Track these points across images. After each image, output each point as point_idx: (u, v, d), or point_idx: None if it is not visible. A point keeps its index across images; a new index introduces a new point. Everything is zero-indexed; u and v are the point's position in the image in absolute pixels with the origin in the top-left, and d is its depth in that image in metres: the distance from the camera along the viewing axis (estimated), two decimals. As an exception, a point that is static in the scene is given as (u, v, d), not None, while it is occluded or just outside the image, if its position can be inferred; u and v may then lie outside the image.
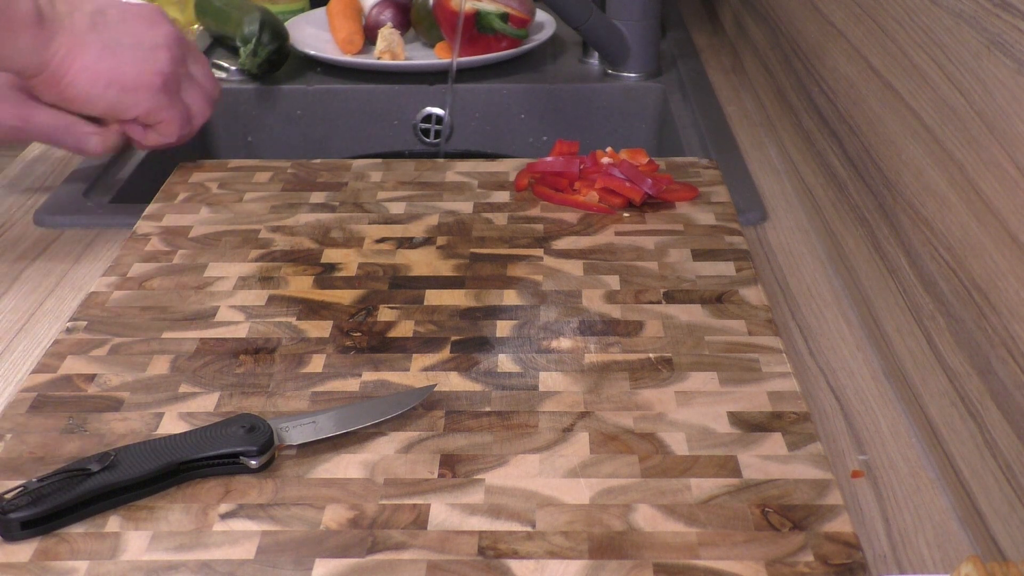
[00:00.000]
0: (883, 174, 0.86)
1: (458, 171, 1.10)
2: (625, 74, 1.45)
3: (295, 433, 0.71)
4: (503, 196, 1.05)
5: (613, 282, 0.89)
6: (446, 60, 1.44)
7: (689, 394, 0.75)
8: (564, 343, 0.81)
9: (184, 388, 0.77)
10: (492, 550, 0.62)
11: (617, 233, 0.97)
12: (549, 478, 0.68)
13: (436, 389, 0.76)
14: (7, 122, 1.04)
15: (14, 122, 1.04)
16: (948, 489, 0.72)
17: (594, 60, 1.50)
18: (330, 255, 0.94)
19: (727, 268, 0.91)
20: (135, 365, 0.80)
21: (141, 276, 0.91)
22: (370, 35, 1.53)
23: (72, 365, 0.80)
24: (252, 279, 0.91)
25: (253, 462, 0.68)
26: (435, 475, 0.68)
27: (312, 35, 1.55)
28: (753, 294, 0.87)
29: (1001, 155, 0.64)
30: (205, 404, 0.75)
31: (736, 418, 0.73)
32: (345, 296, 0.88)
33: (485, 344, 0.81)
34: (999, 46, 0.65)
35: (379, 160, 1.14)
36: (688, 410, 0.74)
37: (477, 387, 0.77)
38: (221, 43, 1.58)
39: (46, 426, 0.73)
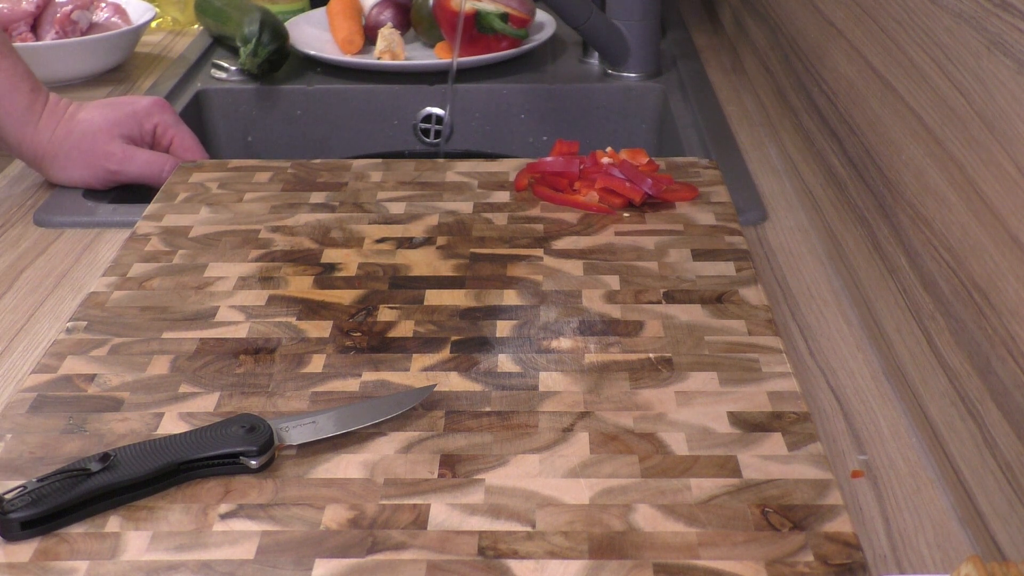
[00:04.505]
0: (883, 174, 0.86)
1: (458, 171, 1.10)
2: (625, 74, 1.45)
3: (295, 433, 0.71)
4: (503, 196, 1.05)
5: (613, 282, 0.89)
6: (446, 60, 1.44)
7: (689, 394, 0.75)
8: (564, 343, 0.81)
9: (184, 388, 0.77)
10: (492, 550, 0.62)
11: (617, 233, 0.97)
12: (549, 478, 0.68)
13: (436, 389, 0.76)
14: (113, 162, 1.14)
15: (119, 163, 1.14)
16: (948, 489, 0.72)
17: (594, 60, 1.50)
18: (330, 255, 0.94)
19: (727, 268, 0.91)
20: (135, 365, 0.80)
21: (141, 276, 0.91)
22: (370, 35, 1.53)
23: (72, 365, 0.80)
24: (252, 279, 0.91)
25: (253, 462, 0.68)
26: (435, 475, 0.68)
27: (312, 35, 1.55)
28: (753, 294, 0.87)
29: (1001, 155, 0.64)
30: (205, 404, 0.75)
31: (736, 418, 0.73)
32: (345, 296, 0.88)
33: (485, 344, 0.81)
34: (999, 46, 0.65)
35: (379, 160, 1.14)
36: (688, 410, 0.74)
37: (477, 387, 0.77)
38: (221, 43, 1.58)
39: (46, 426, 0.73)
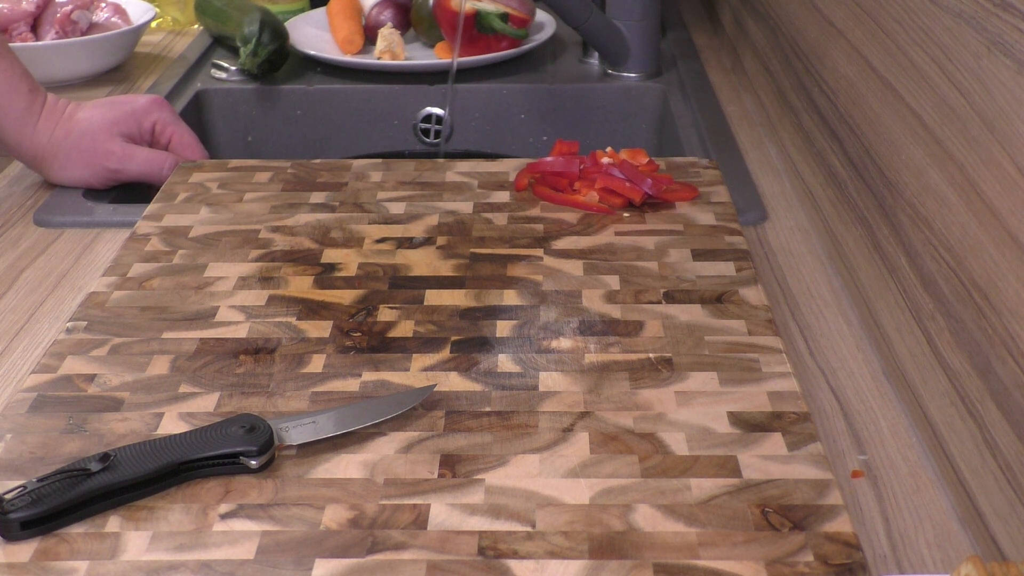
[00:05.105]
0: (883, 174, 0.86)
1: (458, 171, 1.10)
2: (625, 74, 1.45)
3: (295, 433, 0.71)
4: (503, 196, 1.05)
5: (613, 282, 0.89)
6: (446, 60, 1.44)
7: (689, 394, 0.75)
8: (564, 343, 0.81)
9: (184, 388, 0.77)
10: (492, 550, 0.62)
11: (617, 233, 0.97)
12: (549, 478, 0.68)
13: (436, 389, 0.76)
14: (114, 161, 1.14)
15: (119, 161, 1.14)
16: (948, 489, 0.72)
17: (594, 60, 1.50)
18: (330, 255, 0.94)
19: (727, 268, 0.91)
20: (135, 365, 0.80)
21: (141, 276, 0.91)
22: (370, 35, 1.53)
23: (72, 365, 0.80)
24: (252, 279, 0.91)
25: (253, 462, 0.68)
26: (435, 475, 0.68)
27: (312, 35, 1.55)
28: (753, 294, 0.87)
29: (1001, 155, 0.64)
30: (205, 404, 0.75)
31: (736, 418, 0.73)
32: (345, 296, 0.88)
33: (485, 344, 0.81)
34: (999, 46, 0.65)
35: (379, 160, 1.14)
36: (688, 410, 0.74)
37: (477, 387, 0.77)
38: (221, 43, 1.58)
39: (46, 426, 0.73)
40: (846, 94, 0.96)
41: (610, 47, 1.43)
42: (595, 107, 1.45)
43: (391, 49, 1.47)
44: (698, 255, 0.93)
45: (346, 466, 0.69)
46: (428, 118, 1.46)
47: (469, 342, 0.82)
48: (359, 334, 0.83)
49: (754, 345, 0.81)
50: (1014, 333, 0.63)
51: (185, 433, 0.70)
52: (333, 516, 0.65)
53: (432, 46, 1.53)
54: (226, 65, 1.48)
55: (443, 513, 0.65)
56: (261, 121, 1.46)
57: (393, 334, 0.83)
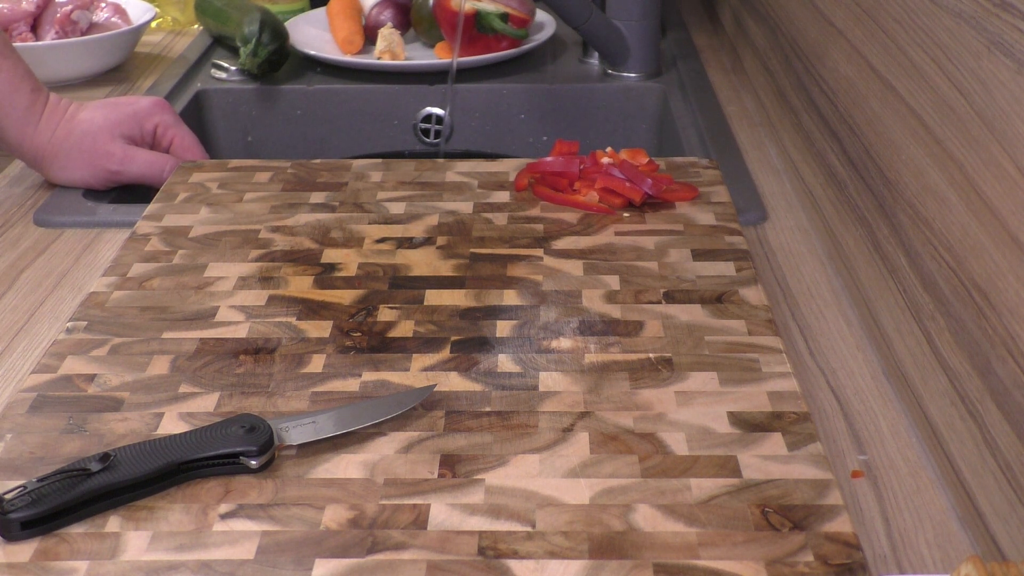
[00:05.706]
0: (883, 174, 0.86)
1: (458, 171, 1.10)
2: (625, 74, 1.45)
3: (295, 433, 0.71)
4: (503, 196, 1.05)
5: (613, 282, 0.89)
6: (446, 60, 1.44)
7: (689, 394, 0.75)
8: (564, 343, 0.81)
9: (184, 388, 0.77)
10: (492, 550, 0.62)
11: (617, 233, 0.97)
12: (549, 478, 0.68)
13: (436, 389, 0.76)
14: (114, 163, 1.14)
15: (120, 163, 1.14)
16: (948, 489, 0.72)
17: (594, 60, 1.50)
18: (330, 255, 0.94)
19: (727, 268, 0.91)
20: (135, 365, 0.80)
21: (141, 276, 0.91)
22: (370, 35, 1.53)
23: (72, 365, 0.80)
24: (252, 279, 0.91)
25: (253, 462, 0.68)
26: (435, 475, 0.68)
27: (312, 35, 1.55)
28: (753, 294, 0.87)
29: (1001, 155, 0.64)
30: (205, 404, 0.75)
31: (736, 418, 0.73)
32: (345, 296, 0.88)
33: (485, 344, 0.81)
34: (999, 46, 0.65)
35: (379, 160, 1.14)
36: (688, 410, 0.74)
37: (477, 387, 0.77)
38: (221, 43, 1.59)
39: (46, 426, 0.73)
40: (846, 94, 0.96)
41: (610, 47, 1.43)
42: (595, 107, 1.45)
43: (391, 49, 1.47)
44: (698, 255, 0.93)
45: (346, 466, 0.69)
46: (428, 118, 1.46)
47: (469, 342, 0.82)
48: (359, 334, 0.83)
49: (754, 345, 0.81)
50: (1014, 333, 0.63)
51: (185, 433, 0.70)
52: (333, 516, 0.65)
53: (432, 46, 1.53)
54: (226, 65, 1.48)
55: (443, 513, 0.65)
56: (261, 121, 1.46)
57: (393, 334, 0.83)
